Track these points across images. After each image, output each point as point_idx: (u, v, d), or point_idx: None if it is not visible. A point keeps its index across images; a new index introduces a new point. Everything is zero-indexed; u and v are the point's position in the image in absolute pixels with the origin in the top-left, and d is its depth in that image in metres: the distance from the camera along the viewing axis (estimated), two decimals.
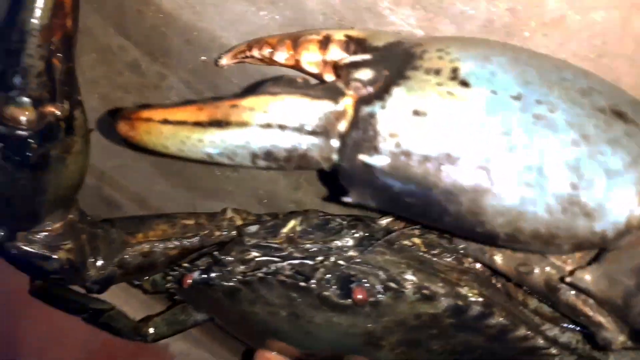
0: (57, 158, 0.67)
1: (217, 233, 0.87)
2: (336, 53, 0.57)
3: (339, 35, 0.58)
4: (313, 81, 0.54)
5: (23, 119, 0.61)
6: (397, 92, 0.45)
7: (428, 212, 0.45)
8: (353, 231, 0.70)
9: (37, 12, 0.57)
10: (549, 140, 0.42)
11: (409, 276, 0.66)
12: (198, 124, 0.48)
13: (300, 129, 0.46)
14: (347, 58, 0.51)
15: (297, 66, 0.62)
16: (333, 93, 0.48)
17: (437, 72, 0.45)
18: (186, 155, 0.49)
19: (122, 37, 0.78)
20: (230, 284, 0.73)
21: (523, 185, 0.42)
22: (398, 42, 0.52)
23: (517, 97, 0.43)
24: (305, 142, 0.47)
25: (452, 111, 0.43)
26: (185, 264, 0.81)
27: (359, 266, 0.67)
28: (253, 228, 0.77)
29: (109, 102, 0.90)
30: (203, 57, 0.76)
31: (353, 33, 0.57)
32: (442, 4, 0.58)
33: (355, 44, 0.56)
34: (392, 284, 0.64)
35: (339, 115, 0.47)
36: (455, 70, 0.45)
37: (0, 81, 0.60)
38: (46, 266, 0.80)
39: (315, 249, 0.71)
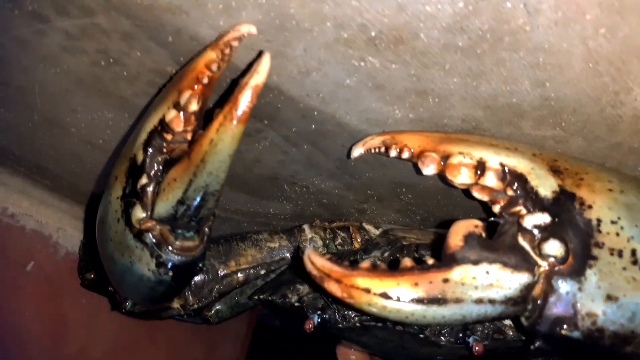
0: None
1: None
2: (491, 180, 0.64)
3: (494, 163, 0.63)
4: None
5: (193, 246, 0.64)
6: (591, 276, 0.54)
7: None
8: None
9: (222, 177, 0.58)
10: None
11: (508, 322, 0.80)
12: (418, 301, 0.55)
13: (506, 302, 0.55)
14: (530, 218, 0.58)
15: (440, 175, 0.67)
16: (528, 264, 0.56)
17: (620, 254, 0.55)
18: (406, 323, 0.56)
19: None
20: (347, 326, 0.84)
21: None
22: (563, 191, 0.59)
23: None
24: (507, 310, 0.56)
25: (637, 297, 0.54)
26: (295, 302, 0.89)
27: None
28: None
29: None
30: (313, 127, 0.76)
31: (509, 163, 0.63)
32: (584, 128, 0.65)
33: (512, 177, 0.62)
34: (499, 335, 0.79)
35: (534, 284, 0.56)
36: (634, 253, 0.55)
37: (170, 222, 0.61)
38: (164, 315, 0.86)
39: None
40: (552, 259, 0.56)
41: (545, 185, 0.60)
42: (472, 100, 0.64)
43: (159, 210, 0.62)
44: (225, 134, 0.55)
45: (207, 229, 0.66)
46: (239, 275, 0.92)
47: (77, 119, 0.90)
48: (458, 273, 0.55)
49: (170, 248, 0.63)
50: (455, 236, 0.58)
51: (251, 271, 0.93)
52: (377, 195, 0.97)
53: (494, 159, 0.64)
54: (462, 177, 0.65)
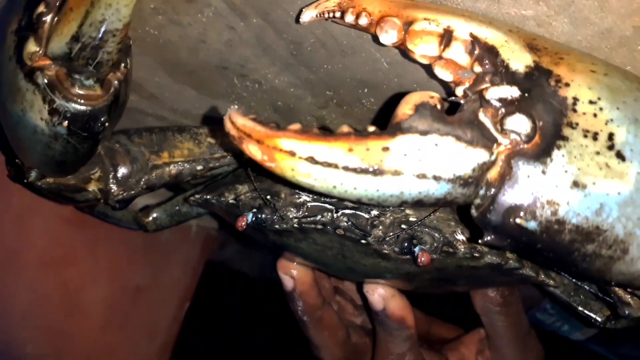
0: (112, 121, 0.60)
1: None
2: (458, 53, 0.54)
3: (463, 33, 0.54)
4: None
5: (93, 95, 0.54)
6: (558, 157, 0.46)
7: (557, 262, 0.49)
8: None
9: (124, 12, 0.47)
10: None
11: (460, 236, 0.72)
12: (350, 169, 0.46)
13: (454, 181, 0.47)
14: (495, 90, 0.49)
15: (401, 47, 0.58)
16: (486, 140, 0.47)
17: (595, 136, 0.46)
18: (333, 195, 0.47)
19: None
20: (283, 227, 0.75)
21: None
22: (538, 67, 0.50)
23: None
24: (455, 192, 0.47)
25: (608, 187, 0.45)
26: (231, 200, 0.80)
27: (416, 227, 0.71)
28: None
29: None
30: None
31: (480, 34, 0.53)
32: (571, 5, 0.55)
33: (482, 50, 0.53)
34: (448, 248, 0.71)
35: (490, 165, 0.47)
36: (611, 137, 0.46)
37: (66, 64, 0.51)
38: (79, 197, 0.76)
39: None
40: (515, 136, 0.47)
41: (519, 59, 0.51)
42: None
43: (53, 47, 0.51)
44: None
45: (115, 82, 0.55)
46: (172, 168, 0.82)
47: None
48: (401, 142, 0.46)
49: (65, 92, 0.52)
50: (406, 105, 0.49)
51: (186, 165, 0.83)
52: (336, 98, 0.87)
53: (464, 27, 0.54)
54: (424, 47, 0.55)
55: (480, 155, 0.47)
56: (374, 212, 0.73)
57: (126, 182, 0.81)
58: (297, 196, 0.75)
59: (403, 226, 0.71)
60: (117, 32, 0.49)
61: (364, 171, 0.46)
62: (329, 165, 0.46)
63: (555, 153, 0.46)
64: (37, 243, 1.29)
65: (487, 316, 0.99)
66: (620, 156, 0.46)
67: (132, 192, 0.81)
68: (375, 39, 0.58)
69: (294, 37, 0.74)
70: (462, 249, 0.71)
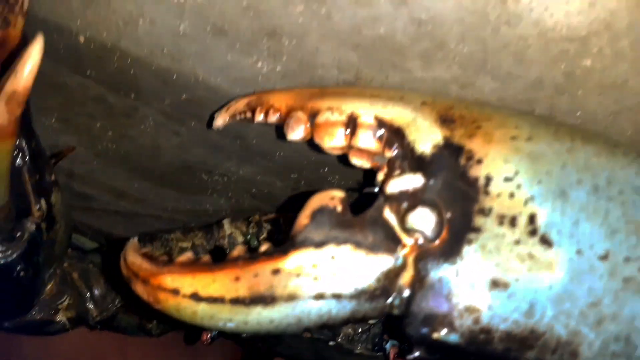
0: (45, 258, 0.59)
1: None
2: (366, 140, 0.49)
3: (368, 117, 0.49)
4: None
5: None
6: (470, 254, 0.39)
7: None
8: None
9: None
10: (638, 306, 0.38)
11: None
12: (238, 302, 0.41)
13: (357, 296, 0.41)
14: (395, 182, 0.43)
15: (310, 142, 0.53)
16: (389, 243, 0.41)
17: (512, 222, 0.39)
18: (227, 332, 0.43)
19: (79, 76, 0.64)
20: (251, 335, 0.70)
21: (609, 357, 0.39)
22: (448, 144, 0.44)
23: (604, 257, 0.38)
24: (363, 308, 0.41)
25: (535, 281, 0.38)
26: None
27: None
28: None
29: (70, 126, 0.77)
30: (184, 96, 0.64)
31: (385, 116, 0.48)
32: (486, 63, 0.49)
33: (388, 132, 0.48)
34: None
35: (399, 271, 0.41)
36: (532, 219, 0.39)
37: None
38: (51, 329, 0.75)
39: None
40: (419, 235, 0.41)
41: (425, 139, 0.45)
42: (334, 38, 0.50)
43: None
44: None
45: (30, 227, 0.54)
46: None
47: None
48: (294, 261, 0.41)
49: None
50: (303, 213, 0.44)
51: None
52: (304, 180, 0.83)
53: (368, 111, 0.49)
54: (331, 140, 0.50)
55: (383, 262, 0.41)
56: None
57: (103, 302, 0.79)
58: None
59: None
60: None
61: (253, 301, 0.41)
62: (214, 300, 0.41)
63: (466, 249, 0.39)
64: (61, 352, 1.30)
65: None
66: (545, 242, 0.39)
67: (109, 312, 0.80)
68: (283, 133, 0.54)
69: (236, 133, 0.72)
70: None
